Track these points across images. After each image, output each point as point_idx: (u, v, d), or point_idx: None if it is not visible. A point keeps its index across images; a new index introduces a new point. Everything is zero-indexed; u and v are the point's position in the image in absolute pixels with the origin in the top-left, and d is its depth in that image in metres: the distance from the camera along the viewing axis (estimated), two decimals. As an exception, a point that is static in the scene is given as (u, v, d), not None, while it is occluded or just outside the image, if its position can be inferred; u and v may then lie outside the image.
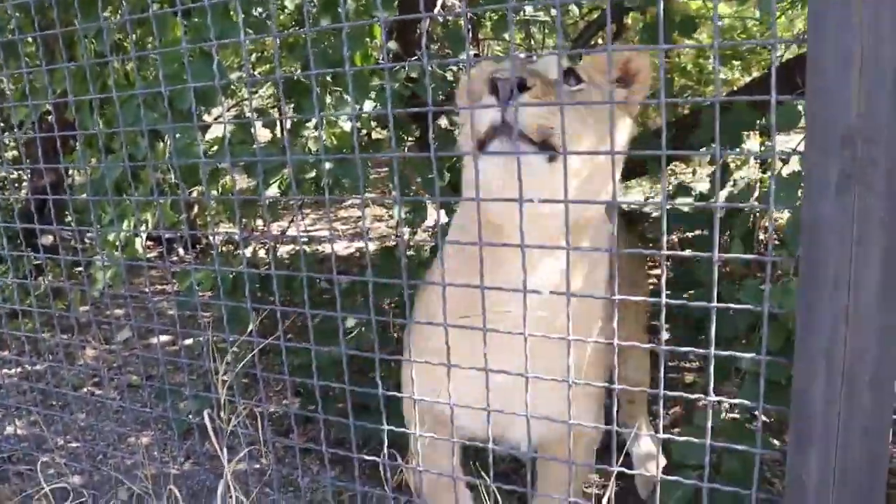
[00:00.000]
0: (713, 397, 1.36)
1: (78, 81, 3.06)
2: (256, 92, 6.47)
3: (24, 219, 2.99)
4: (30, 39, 3.29)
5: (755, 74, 6.14)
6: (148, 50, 3.17)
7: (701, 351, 1.37)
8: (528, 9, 4.69)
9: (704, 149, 2.79)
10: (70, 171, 4.72)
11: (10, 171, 7.11)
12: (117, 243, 2.96)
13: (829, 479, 1.28)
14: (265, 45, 5.59)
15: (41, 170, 2.62)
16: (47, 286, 2.83)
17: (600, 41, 4.70)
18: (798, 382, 1.28)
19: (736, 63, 6.27)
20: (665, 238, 1.33)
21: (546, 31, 5.99)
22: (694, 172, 7.68)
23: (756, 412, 1.38)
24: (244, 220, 4.96)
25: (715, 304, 1.31)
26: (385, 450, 1.84)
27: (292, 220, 6.49)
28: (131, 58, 2.23)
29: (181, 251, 7.09)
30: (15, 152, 7.02)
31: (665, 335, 1.47)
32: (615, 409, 1.53)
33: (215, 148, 3.30)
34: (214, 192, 3.41)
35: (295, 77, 3.04)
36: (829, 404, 1.25)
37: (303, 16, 3.32)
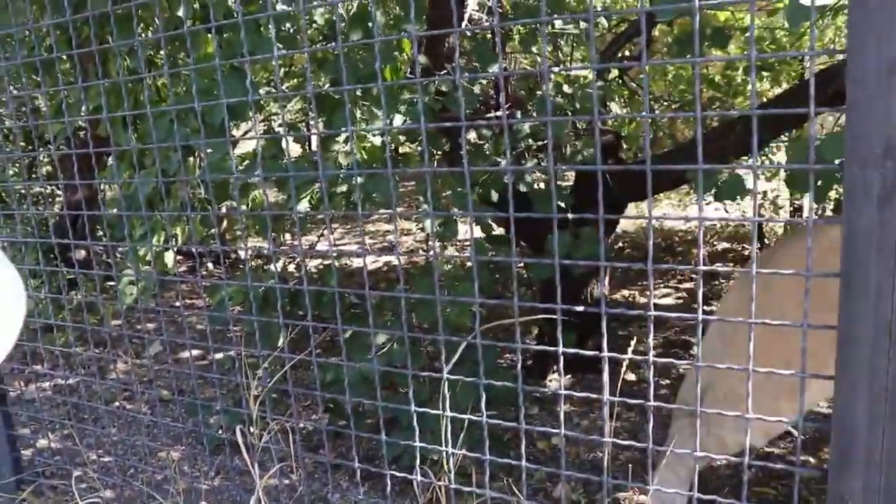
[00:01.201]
0: (752, 415, 1.34)
1: (112, 97, 3.10)
2: (286, 107, 6.52)
3: (58, 234, 3.03)
4: (65, 56, 3.34)
5: (784, 86, 6.09)
6: (180, 66, 3.21)
7: (738, 368, 1.34)
8: (558, 22, 4.70)
9: (740, 160, 2.76)
10: (103, 186, 4.79)
11: (45, 187, 7.23)
12: (148, 258, 2.99)
13: (873, 496, 1.25)
14: (293, 61, 5.64)
15: (75, 185, 2.65)
16: (80, 300, 2.86)
17: (627, 52, 4.69)
18: (839, 399, 1.25)
19: (765, 74, 6.23)
20: (701, 251, 1.31)
21: (574, 43, 5.98)
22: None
23: (795, 429, 1.35)
24: (274, 234, 5.00)
25: (752, 320, 1.29)
26: (417, 466, 1.83)
27: (321, 235, 6.52)
28: (164, 74, 2.25)
29: (211, 265, 7.16)
30: (49, 168, 7.14)
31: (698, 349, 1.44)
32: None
33: (246, 163, 3.33)
34: (244, 207, 3.44)
35: (324, 91, 3.06)
36: (873, 422, 1.22)
37: (332, 30, 3.35)
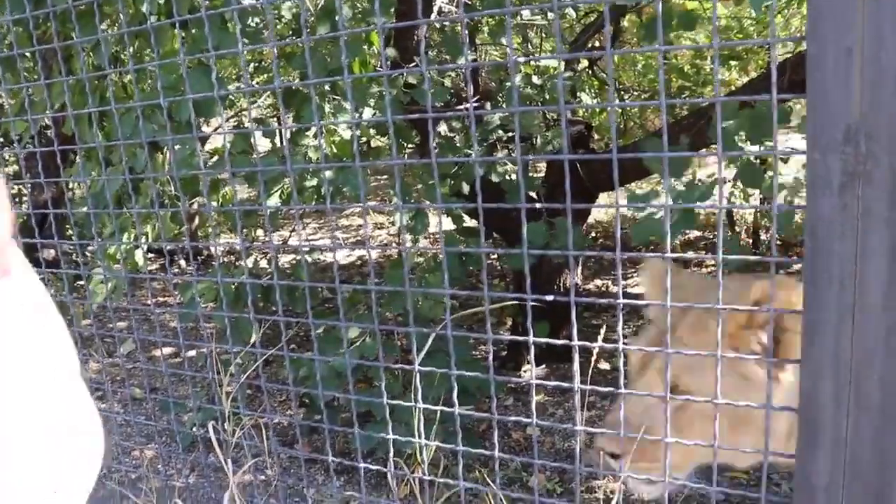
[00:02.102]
0: (721, 400, 1.35)
1: (76, 95, 3.06)
2: (255, 102, 6.47)
3: (25, 234, 2.99)
4: (28, 54, 3.29)
5: (752, 75, 6.15)
6: (146, 62, 3.18)
7: (706, 353, 1.36)
8: (526, 13, 4.70)
9: (704, 150, 2.78)
10: (70, 185, 4.72)
11: (11, 186, 7.11)
12: (118, 256, 2.96)
13: (839, 480, 1.27)
14: (263, 56, 5.60)
15: (42, 184, 2.62)
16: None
17: (597, 43, 4.71)
18: (805, 383, 1.26)
19: (733, 63, 6.29)
20: (669, 240, 1.32)
21: (543, 35, 5.99)
22: (694, 175, 7.68)
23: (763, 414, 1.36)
24: (245, 230, 4.96)
25: (720, 305, 1.30)
26: (391, 458, 1.83)
27: (293, 230, 6.49)
28: (129, 70, 2.22)
29: (182, 263, 7.10)
30: (15, 167, 7.02)
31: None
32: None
33: (215, 159, 3.30)
34: (215, 203, 3.41)
35: (293, 87, 3.04)
36: (838, 405, 1.24)
37: (299, 25, 3.33)
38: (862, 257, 1.20)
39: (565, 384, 1.47)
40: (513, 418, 1.62)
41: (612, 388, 1.42)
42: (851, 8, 1.14)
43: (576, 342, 1.43)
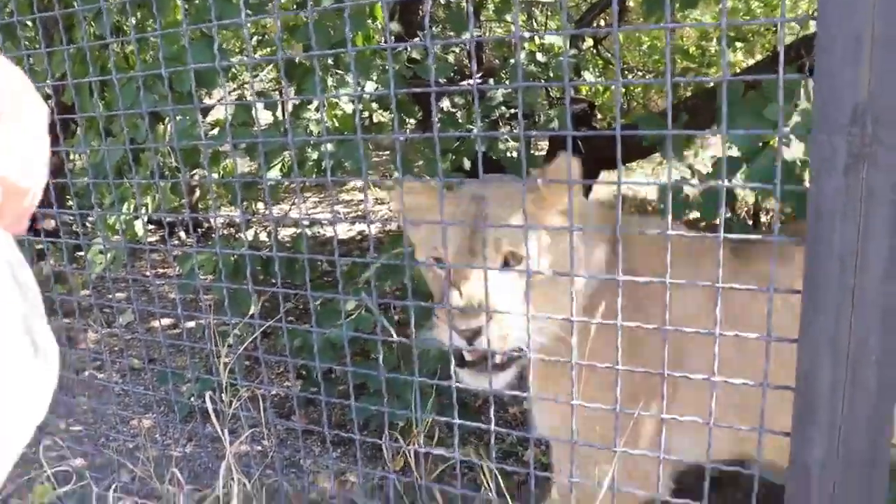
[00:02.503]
0: (718, 377, 1.35)
1: (77, 64, 3.04)
2: (257, 75, 6.44)
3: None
4: (28, 23, 3.26)
5: (758, 57, 6.12)
6: (148, 32, 3.15)
7: (704, 331, 1.36)
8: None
9: (709, 129, 2.77)
10: (71, 155, 4.70)
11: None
12: (117, 226, 2.95)
13: (833, 460, 1.28)
14: (266, 28, 5.56)
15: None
16: (49, 271, 2.82)
17: (602, 23, 4.68)
18: (803, 364, 1.27)
19: (739, 45, 6.26)
20: (670, 218, 1.31)
21: (549, 13, 5.95)
22: (696, 155, 7.66)
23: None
24: (245, 203, 4.95)
25: (720, 284, 1.30)
26: (386, 431, 1.84)
27: (293, 203, 6.48)
28: (131, 40, 2.20)
29: (182, 235, 7.09)
30: (15, 136, 6.97)
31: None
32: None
33: (216, 130, 3.29)
34: (215, 175, 3.40)
35: (297, 60, 3.02)
36: (835, 386, 1.24)
37: (304, -4, 3.30)
38: (864, 238, 1.20)
39: (563, 359, 1.47)
40: (509, 392, 1.62)
41: (610, 365, 1.43)
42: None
43: (574, 318, 1.43)
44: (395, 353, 2.91)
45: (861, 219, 1.19)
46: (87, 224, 5.87)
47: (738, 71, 5.90)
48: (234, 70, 5.87)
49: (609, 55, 5.57)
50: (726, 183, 1.26)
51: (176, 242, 6.87)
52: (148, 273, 2.63)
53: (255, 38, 6.02)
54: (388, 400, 1.86)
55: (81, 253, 3.25)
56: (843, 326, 1.22)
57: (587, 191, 4.75)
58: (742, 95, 2.45)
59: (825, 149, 1.20)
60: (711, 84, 3.54)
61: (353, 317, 2.82)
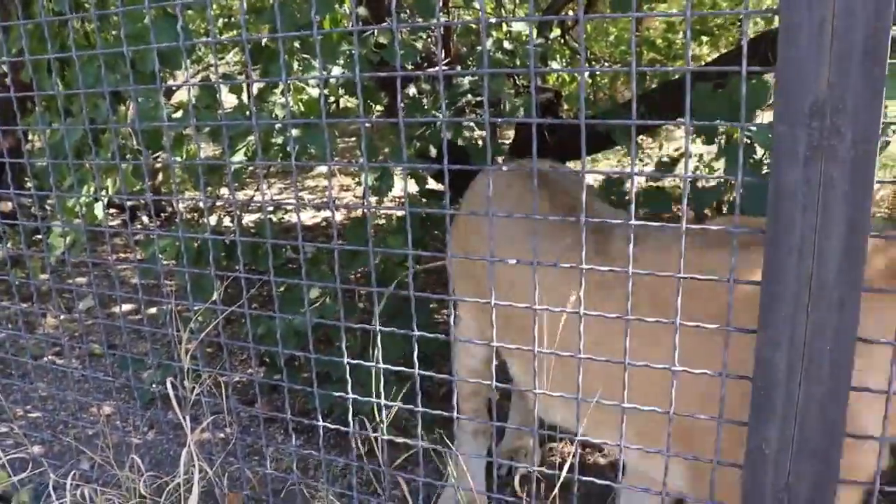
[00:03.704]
0: (678, 367, 1.37)
1: (35, 41, 2.97)
2: (223, 57, 6.36)
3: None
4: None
5: (723, 51, 6.18)
6: (109, 9, 3.09)
7: (666, 321, 1.37)
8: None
9: (676, 120, 2.79)
10: (29, 136, 4.60)
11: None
12: (77, 209, 2.90)
13: (788, 448, 1.30)
14: (232, 11, 5.49)
15: (-2, 132, 2.55)
16: (4, 254, 2.76)
17: (570, 13, 4.69)
18: (761, 352, 1.28)
19: (705, 39, 6.31)
20: (633, 208, 1.32)
21: (516, 2, 5.95)
22: (660, 147, 7.73)
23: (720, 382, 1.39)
24: (209, 187, 4.90)
25: (682, 275, 1.31)
26: (351, 418, 1.84)
27: (258, 189, 6.41)
28: (92, 17, 2.15)
29: (145, 219, 6.99)
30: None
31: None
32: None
33: (180, 113, 3.24)
34: (178, 159, 3.36)
35: (262, 43, 2.98)
36: (791, 374, 1.26)
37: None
38: (822, 230, 1.22)
39: (525, 348, 1.48)
40: (472, 381, 1.63)
41: (572, 354, 1.43)
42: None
43: (537, 306, 1.44)
44: (359, 341, 2.91)
45: (819, 210, 1.21)
46: (46, 207, 5.77)
47: (703, 64, 5.96)
48: (198, 52, 5.79)
49: (577, 44, 5.59)
50: (690, 175, 1.27)
51: (138, 226, 6.78)
52: (109, 257, 2.59)
53: (220, 21, 5.95)
54: (353, 388, 1.86)
55: (40, 236, 3.19)
56: (800, 317, 1.24)
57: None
58: (713, 90, 2.48)
59: (786, 140, 1.21)
60: (677, 76, 3.56)
61: (316, 304, 2.81)
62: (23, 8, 2.29)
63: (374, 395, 1.79)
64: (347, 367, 1.76)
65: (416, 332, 1.58)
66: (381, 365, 1.67)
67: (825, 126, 1.18)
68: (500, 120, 1.45)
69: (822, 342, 1.24)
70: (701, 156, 7.16)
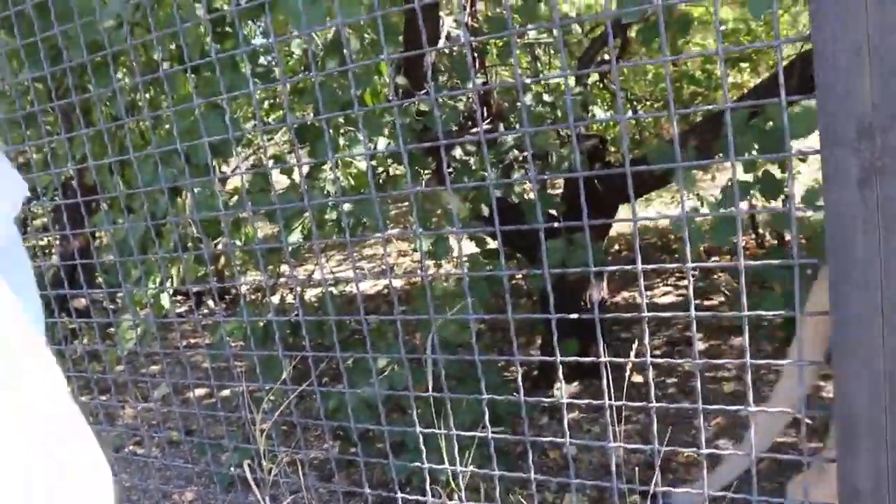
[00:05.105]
0: (753, 408, 1.33)
1: (96, 145, 3.11)
2: (272, 139, 6.55)
3: (55, 285, 3.03)
4: (49, 109, 3.36)
5: (764, 75, 6.13)
6: (161, 107, 3.23)
7: (737, 361, 1.34)
8: (532, 32, 4.73)
9: (719, 156, 2.76)
10: (97, 233, 4.78)
11: (40, 238, 7.24)
12: (145, 300, 2.99)
13: (882, 482, 1.25)
14: (276, 92, 5.66)
15: (69, 235, 2.66)
16: (82, 350, 2.86)
17: (605, 56, 4.72)
18: (839, 385, 1.25)
19: (744, 66, 6.27)
20: (689, 248, 1.31)
21: (551, 52, 6.01)
22: (713, 179, 7.65)
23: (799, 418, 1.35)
24: (270, 266, 5.00)
25: (745, 312, 1.29)
26: (428, 487, 1.83)
27: (317, 264, 6.53)
28: (146, 118, 2.26)
29: (211, 303, 7.15)
30: (44, 219, 7.14)
31: (700, 346, 1.44)
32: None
33: (235, 199, 3.34)
34: (238, 242, 3.45)
35: (308, 122, 3.07)
36: (874, 403, 1.22)
37: (309, 60, 3.37)
38: (885, 251, 1.19)
39: (596, 401, 1.46)
40: (546, 439, 1.61)
41: (644, 403, 1.41)
42: (856, 1, 1.13)
43: (604, 359, 1.42)
44: (432, 408, 2.90)
45: (881, 233, 1.18)
46: (117, 300, 5.95)
47: (745, 91, 5.91)
48: (248, 135, 5.98)
49: (615, 87, 5.61)
50: (742, 210, 1.26)
51: (205, 311, 6.93)
52: (178, 345, 2.66)
53: (266, 102, 6.14)
54: (429, 454, 1.85)
55: (113, 329, 3.29)
56: (875, 342, 1.20)
57: (606, 230, 4.75)
58: (747, 122, 2.45)
59: (835, 165, 1.19)
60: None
61: (385, 373, 2.82)
62: (83, 115, 2.41)
63: (448, 463, 1.78)
64: (420, 437, 1.76)
65: (485, 396, 1.57)
66: (454, 432, 1.66)
67: (875, 146, 1.16)
68: (545, 177, 1.46)
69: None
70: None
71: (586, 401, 1.52)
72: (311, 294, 6.17)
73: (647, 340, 1.35)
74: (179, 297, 7.30)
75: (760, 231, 6.35)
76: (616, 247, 7.59)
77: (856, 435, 1.24)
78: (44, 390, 0.79)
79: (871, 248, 1.20)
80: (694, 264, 1.29)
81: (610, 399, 1.49)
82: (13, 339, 0.76)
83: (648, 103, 7.22)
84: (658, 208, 8.26)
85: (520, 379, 1.63)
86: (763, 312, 1.30)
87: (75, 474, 0.80)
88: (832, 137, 1.19)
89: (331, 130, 1.81)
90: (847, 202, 1.20)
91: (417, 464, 1.80)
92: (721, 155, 3.12)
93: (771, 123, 2.44)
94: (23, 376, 0.75)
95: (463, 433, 1.70)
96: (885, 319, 1.20)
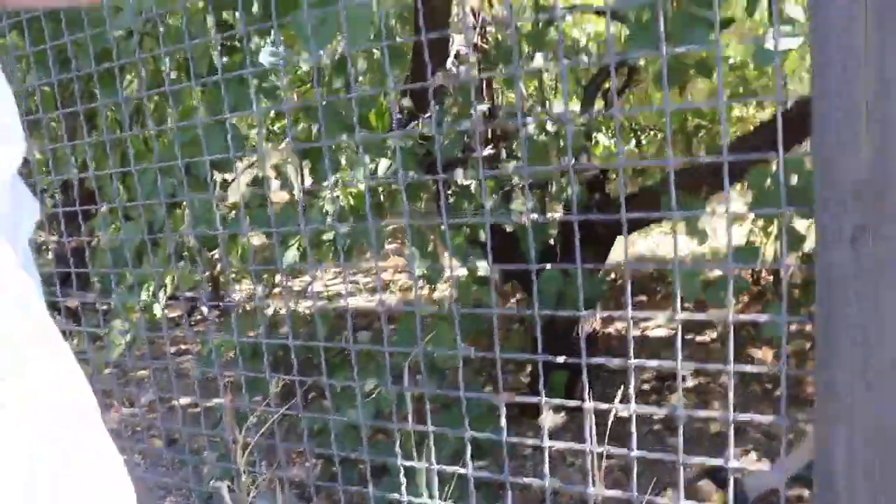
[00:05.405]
0: (734, 463, 1.33)
1: (99, 151, 3.12)
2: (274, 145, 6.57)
3: (49, 284, 3.03)
4: (52, 113, 3.37)
5: (770, 111, 6.15)
6: (166, 115, 3.24)
7: (717, 414, 1.34)
8: (538, 60, 4.75)
9: (713, 210, 2.76)
10: (95, 231, 4.78)
11: (38, 235, 7.22)
12: (136, 308, 2.99)
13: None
14: (281, 106, 5.68)
15: (65, 240, 2.67)
16: (74, 349, 2.86)
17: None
18: (819, 446, 1.24)
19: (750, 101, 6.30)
20: (679, 301, 1.31)
21: (556, 79, 6.04)
22: (713, 212, 7.65)
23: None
24: (264, 276, 5.00)
25: (731, 366, 1.29)
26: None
27: (313, 279, 6.52)
28: (150, 130, 2.27)
29: (204, 310, 7.13)
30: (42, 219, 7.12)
31: (689, 382, 1.44)
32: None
33: (233, 213, 3.35)
34: (234, 255, 3.45)
35: (309, 144, 3.07)
36: (852, 471, 1.21)
37: (318, 76, 3.39)
38: (877, 313, 1.19)
39: (578, 445, 1.46)
40: (525, 479, 1.61)
41: (625, 450, 1.41)
42: (855, 61, 1.14)
43: (588, 404, 1.42)
44: (413, 435, 2.89)
45: (872, 294, 1.18)
46: (110, 303, 5.94)
47: (752, 127, 5.93)
48: (250, 145, 5.99)
49: (621, 119, 5.63)
50: (734, 264, 1.26)
51: (198, 317, 6.91)
52: (169, 351, 2.65)
53: (272, 111, 6.15)
54: (411, 482, 1.85)
55: (104, 331, 3.28)
56: (858, 409, 1.20)
57: (603, 259, 4.76)
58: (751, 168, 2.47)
59: (830, 224, 1.20)
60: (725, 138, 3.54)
61: (372, 396, 2.81)
62: (87, 120, 2.41)
63: (428, 493, 1.77)
64: (402, 467, 1.76)
65: (468, 433, 1.57)
66: (435, 465, 1.66)
67: (871, 206, 1.16)
68: (541, 219, 1.47)
69: (890, 436, 1.19)
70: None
71: (568, 444, 1.51)
72: (303, 306, 6.16)
73: (632, 389, 1.35)
74: (171, 302, 7.28)
75: (757, 268, 6.37)
76: (612, 276, 7.59)
77: (833, 498, 1.24)
78: (49, 378, 0.79)
79: (863, 310, 1.20)
80: (685, 316, 1.29)
81: (599, 437, 1.49)
82: (19, 328, 0.76)
83: (653, 133, 7.25)
84: (656, 239, 8.27)
85: (503, 419, 1.62)
86: (748, 368, 1.30)
87: (80, 462, 0.80)
88: (827, 197, 1.20)
89: (332, 152, 1.82)
90: (840, 263, 1.20)
91: (396, 495, 1.80)
92: (714, 209, 3.13)
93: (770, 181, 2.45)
94: (27, 364, 0.76)
95: (444, 467, 1.70)
96: (871, 384, 1.20)
